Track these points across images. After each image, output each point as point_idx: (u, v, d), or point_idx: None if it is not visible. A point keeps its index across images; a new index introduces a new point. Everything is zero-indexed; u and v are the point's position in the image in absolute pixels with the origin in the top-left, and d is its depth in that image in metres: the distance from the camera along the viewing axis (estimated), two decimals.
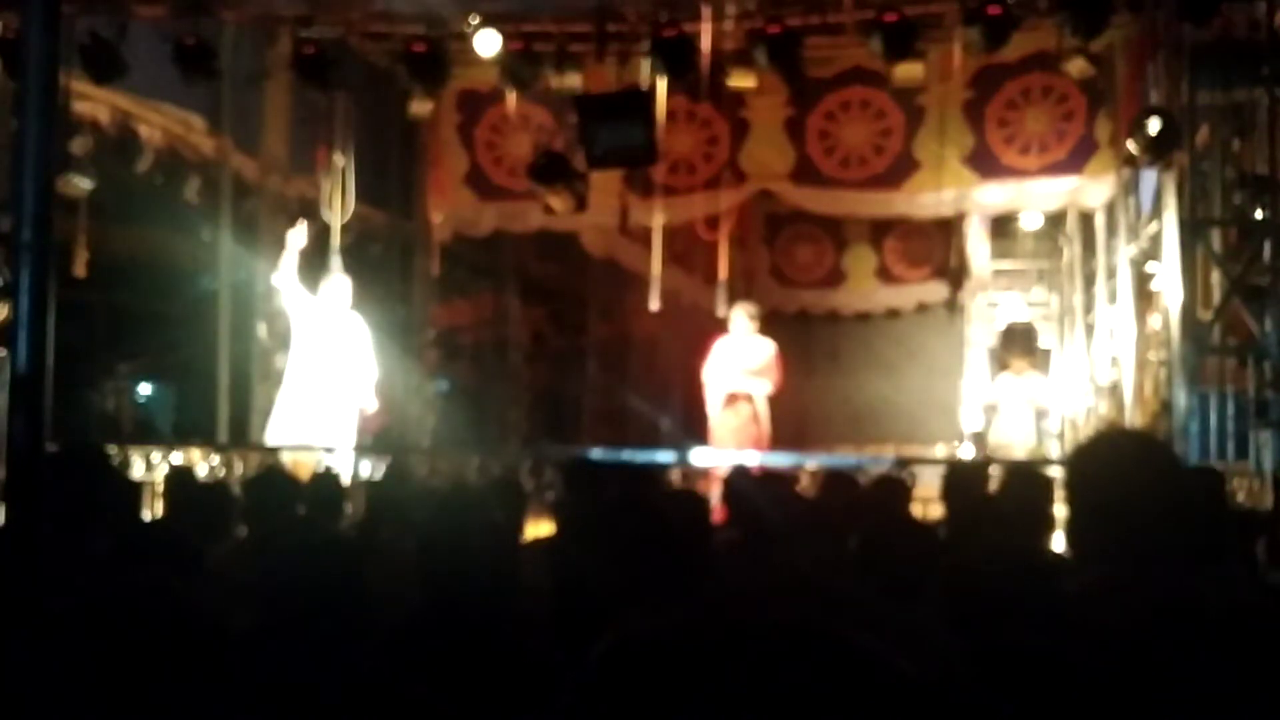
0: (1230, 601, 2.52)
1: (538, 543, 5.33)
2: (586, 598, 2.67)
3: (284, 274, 10.31)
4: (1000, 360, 13.06)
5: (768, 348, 11.44)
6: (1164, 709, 2.17)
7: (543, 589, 3.15)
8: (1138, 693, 2.15)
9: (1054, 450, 11.98)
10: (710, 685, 0.84)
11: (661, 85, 10.91)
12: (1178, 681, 2.20)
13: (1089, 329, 13.17)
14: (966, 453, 12.54)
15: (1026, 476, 6.89)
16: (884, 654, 0.86)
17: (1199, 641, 2.29)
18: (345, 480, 8.18)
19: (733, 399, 11.32)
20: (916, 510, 7.05)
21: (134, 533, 3.84)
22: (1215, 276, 10.17)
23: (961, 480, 6.31)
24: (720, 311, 12.21)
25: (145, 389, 16.03)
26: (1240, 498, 8.97)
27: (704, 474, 10.71)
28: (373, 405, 10.77)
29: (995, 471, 8.25)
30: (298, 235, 10.25)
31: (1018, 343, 12.78)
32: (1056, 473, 6.64)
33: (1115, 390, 11.70)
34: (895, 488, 7.12)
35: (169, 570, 2.48)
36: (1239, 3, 9.84)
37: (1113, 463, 2.85)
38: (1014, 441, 11.96)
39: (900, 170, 12.27)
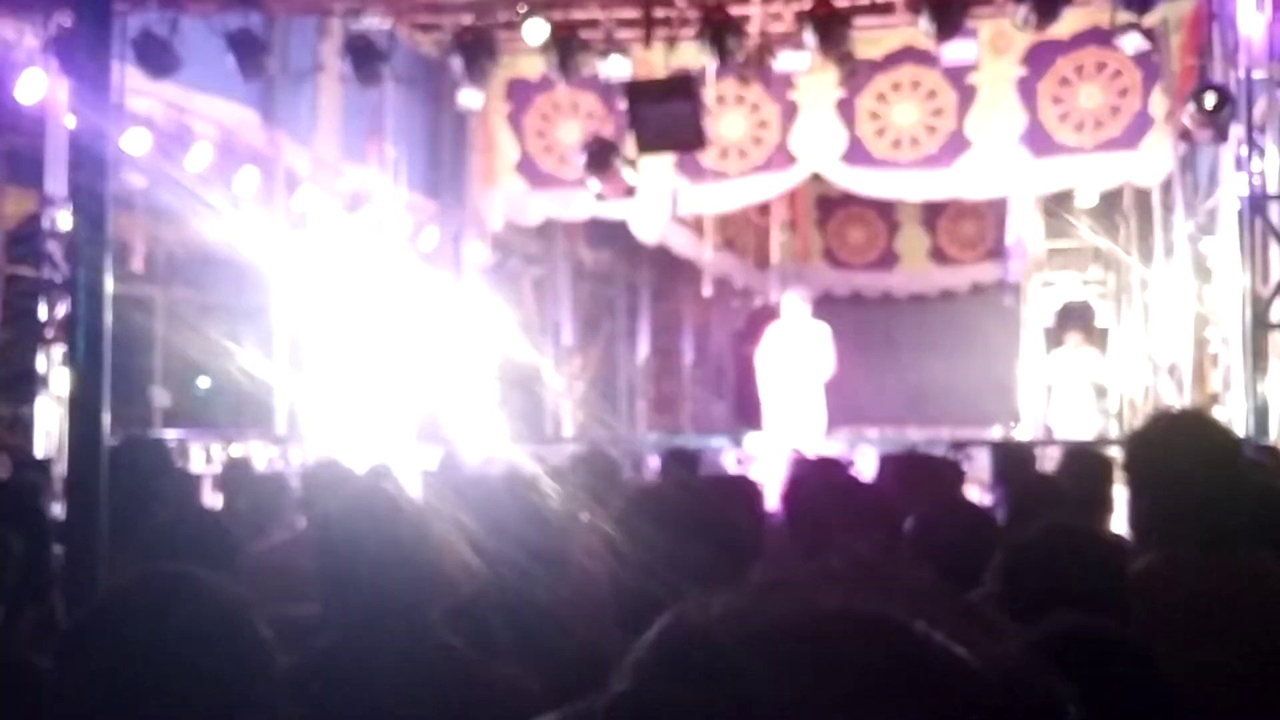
0: None
1: (593, 526, 5.35)
2: (641, 581, 2.67)
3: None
4: (1055, 337, 12.96)
5: (821, 331, 11.40)
6: (1229, 692, 2.15)
7: (599, 571, 3.17)
8: (1204, 676, 2.12)
9: (1113, 430, 11.86)
10: (762, 672, 0.83)
11: (710, 69, 10.87)
12: (1243, 665, 2.17)
13: (1147, 307, 13.04)
14: (1023, 434, 12.44)
15: (1085, 457, 6.82)
16: (942, 642, 0.85)
17: (1263, 624, 2.25)
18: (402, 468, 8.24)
19: (786, 383, 11.29)
20: (973, 493, 7.00)
21: (174, 523, 3.85)
22: (1274, 252, 10.01)
23: (1013, 461, 6.23)
24: (773, 296, 12.18)
25: (203, 381, 16.19)
26: None
27: (758, 458, 10.70)
28: (420, 401, 10.88)
29: (1053, 452, 8.19)
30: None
31: (1073, 319, 12.67)
32: (1115, 453, 6.57)
33: (1174, 369, 11.57)
34: (950, 470, 7.07)
35: (204, 562, 2.48)
36: None
37: (1172, 444, 2.85)
38: (1073, 420, 11.86)
39: (952, 150, 12.18)
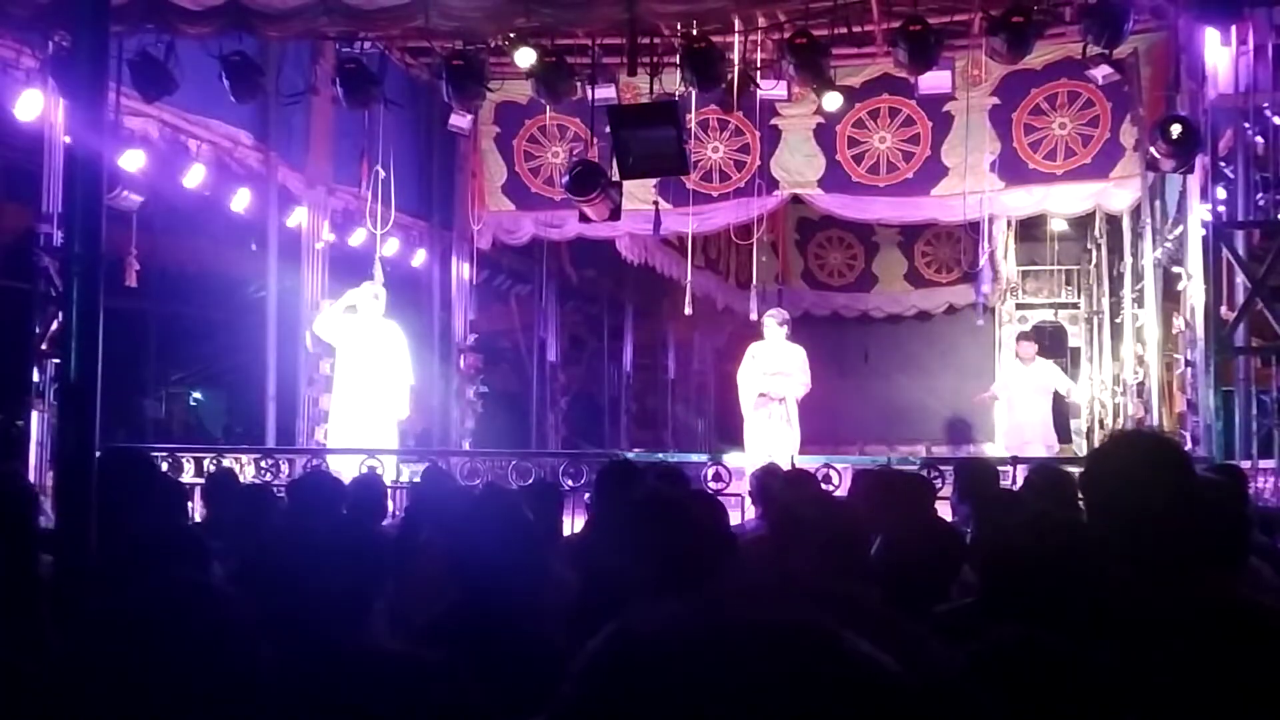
0: (1252, 601, 2.53)
1: (571, 539, 5.55)
2: (609, 593, 2.74)
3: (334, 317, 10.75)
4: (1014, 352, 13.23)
5: (798, 352, 11.62)
6: (1188, 708, 2.17)
7: (571, 584, 3.28)
8: (1161, 691, 2.18)
9: (1080, 446, 12.09)
10: (700, 680, 0.88)
11: (693, 96, 11.08)
12: (1200, 681, 2.19)
13: (1116, 330, 13.29)
14: (994, 451, 12.67)
15: (1049, 474, 6.97)
16: (869, 652, 0.90)
17: (1219, 642, 2.24)
18: (387, 482, 8.44)
19: (764, 401, 11.49)
20: (946, 510, 7.13)
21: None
22: (1239, 278, 10.25)
23: (976, 479, 6.37)
24: (753, 315, 12.38)
25: (197, 394, 16.35)
26: (1266, 495, 9.09)
27: (738, 475, 10.88)
28: (406, 413, 11.09)
29: (1015, 467, 8.40)
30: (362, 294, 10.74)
31: (1032, 333, 12.92)
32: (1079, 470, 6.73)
33: (1142, 389, 11.81)
34: (922, 487, 7.19)
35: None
36: (1260, 7, 9.93)
37: (1126, 463, 2.91)
38: (1028, 431, 12.06)
39: (928, 176, 12.46)
